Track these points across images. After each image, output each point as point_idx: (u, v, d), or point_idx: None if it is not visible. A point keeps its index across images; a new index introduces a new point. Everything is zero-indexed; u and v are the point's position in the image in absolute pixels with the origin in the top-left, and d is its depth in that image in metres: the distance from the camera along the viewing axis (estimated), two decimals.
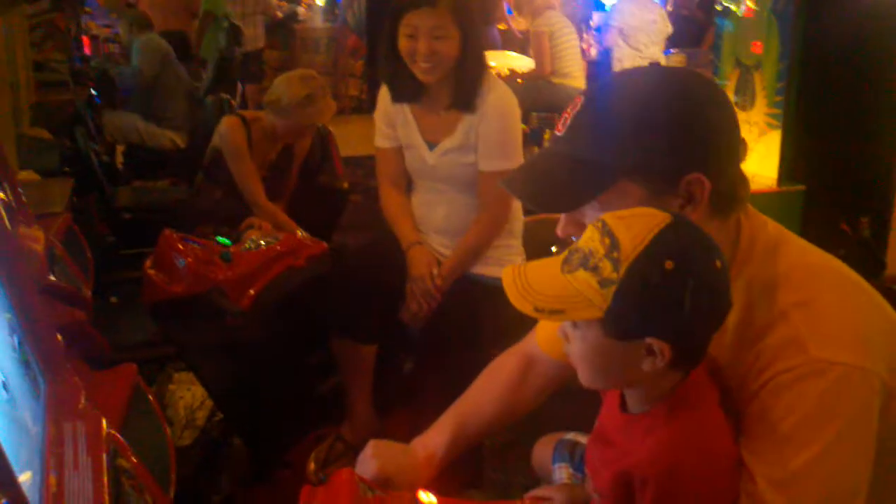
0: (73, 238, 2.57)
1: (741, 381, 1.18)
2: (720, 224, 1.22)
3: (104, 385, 1.73)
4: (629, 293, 1.06)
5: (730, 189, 1.22)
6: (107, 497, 1.27)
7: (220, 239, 2.73)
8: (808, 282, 1.21)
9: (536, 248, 2.86)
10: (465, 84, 2.52)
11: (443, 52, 2.47)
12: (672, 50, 7.27)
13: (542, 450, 1.72)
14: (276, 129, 3.40)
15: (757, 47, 4.27)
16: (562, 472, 1.64)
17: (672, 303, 1.07)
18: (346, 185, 3.89)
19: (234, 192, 3.41)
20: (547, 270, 1.14)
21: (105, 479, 1.29)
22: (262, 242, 2.67)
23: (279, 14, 9.92)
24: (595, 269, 1.08)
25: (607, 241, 1.08)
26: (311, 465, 2.59)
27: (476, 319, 2.51)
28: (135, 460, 1.43)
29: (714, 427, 1.15)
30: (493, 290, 2.63)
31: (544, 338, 1.60)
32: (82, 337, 2.01)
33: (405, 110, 2.66)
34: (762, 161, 4.26)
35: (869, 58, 4.07)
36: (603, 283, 1.07)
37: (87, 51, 8.05)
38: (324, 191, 3.80)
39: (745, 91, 4.43)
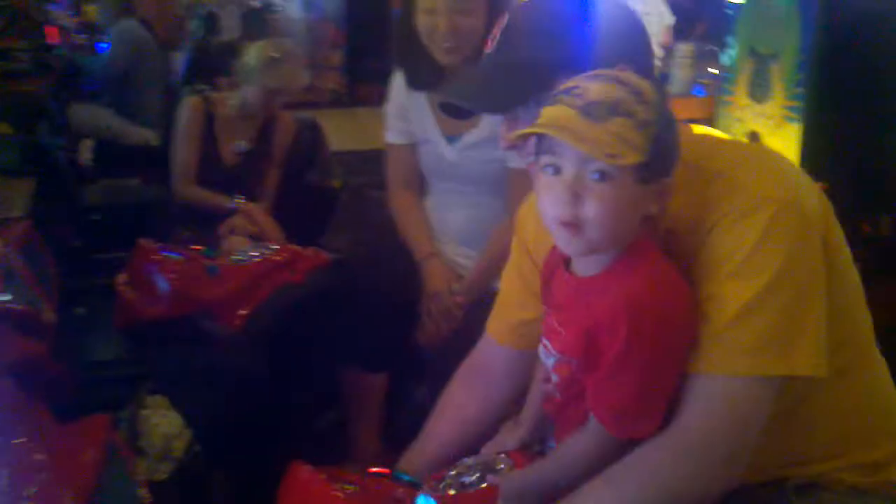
0: (34, 247, 2.23)
1: (685, 238, 1.22)
2: None
3: (70, 442, 1.40)
4: (663, 133, 1.12)
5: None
6: None
7: (204, 250, 2.38)
8: (736, 149, 1.34)
9: None
10: None
11: (467, 29, 2.12)
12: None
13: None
14: (244, 104, 3.10)
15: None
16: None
17: (677, 140, 1.16)
18: (338, 183, 3.55)
19: None
20: (572, 118, 1.11)
21: None
22: (255, 254, 2.33)
23: (255, 3, 9.58)
24: (630, 114, 1.10)
25: (625, 88, 1.12)
26: None
27: None
28: None
29: (669, 270, 1.18)
30: None
31: (501, 329, 1.55)
32: (41, 373, 1.68)
33: (422, 99, 2.33)
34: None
35: (892, 50, 3.83)
36: (641, 125, 1.10)
37: (53, 40, 7.65)
38: (313, 190, 3.47)
39: (762, 82, 4.18)
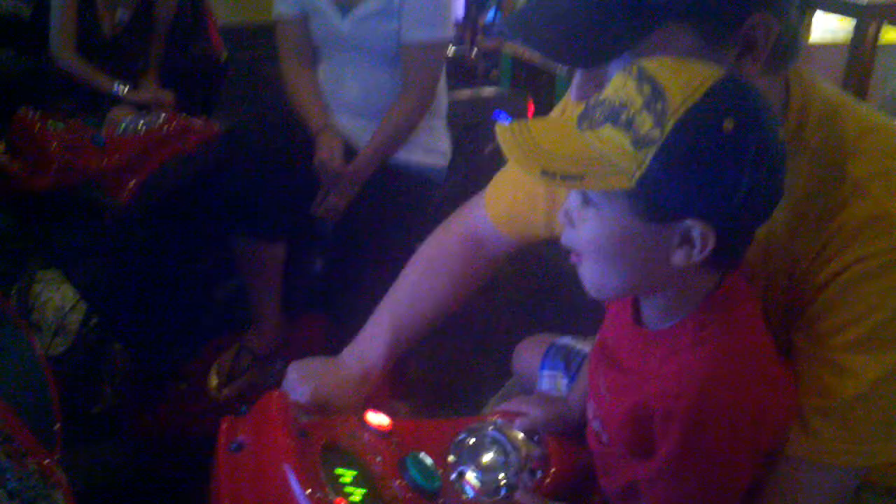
0: None
1: (801, 274, 0.96)
2: (769, 82, 0.96)
3: None
4: (673, 157, 0.82)
5: (790, 36, 0.94)
6: None
7: (88, 119, 2.30)
8: (885, 148, 0.96)
9: (460, 129, 2.58)
10: None
11: None
12: None
13: (528, 352, 1.48)
14: None
15: None
16: (553, 382, 1.39)
17: (726, 174, 0.82)
18: (224, 55, 3.43)
19: None
20: (559, 127, 0.91)
21: None
22: (142, 123, 2.26)
23: None
24: (629, 125, 0.83)
25: (647, 88, 0.83)
26: (213, 380, 2.27)
27: (398, 211, 2.21)
28: (7, 415, 1.11)
29: (756, 346, 0.92)
30: (418, 178, 2.39)
31: (500, 214, 1.34)
32: None
33: None
34: None
35: None
36: (639, 142, 0.82)
37: None
38: (198, 62, 3.34)
39: None
